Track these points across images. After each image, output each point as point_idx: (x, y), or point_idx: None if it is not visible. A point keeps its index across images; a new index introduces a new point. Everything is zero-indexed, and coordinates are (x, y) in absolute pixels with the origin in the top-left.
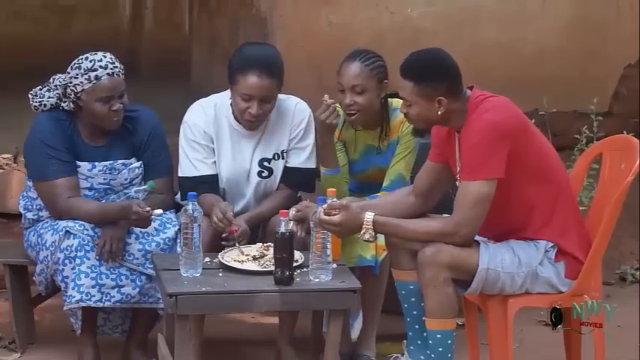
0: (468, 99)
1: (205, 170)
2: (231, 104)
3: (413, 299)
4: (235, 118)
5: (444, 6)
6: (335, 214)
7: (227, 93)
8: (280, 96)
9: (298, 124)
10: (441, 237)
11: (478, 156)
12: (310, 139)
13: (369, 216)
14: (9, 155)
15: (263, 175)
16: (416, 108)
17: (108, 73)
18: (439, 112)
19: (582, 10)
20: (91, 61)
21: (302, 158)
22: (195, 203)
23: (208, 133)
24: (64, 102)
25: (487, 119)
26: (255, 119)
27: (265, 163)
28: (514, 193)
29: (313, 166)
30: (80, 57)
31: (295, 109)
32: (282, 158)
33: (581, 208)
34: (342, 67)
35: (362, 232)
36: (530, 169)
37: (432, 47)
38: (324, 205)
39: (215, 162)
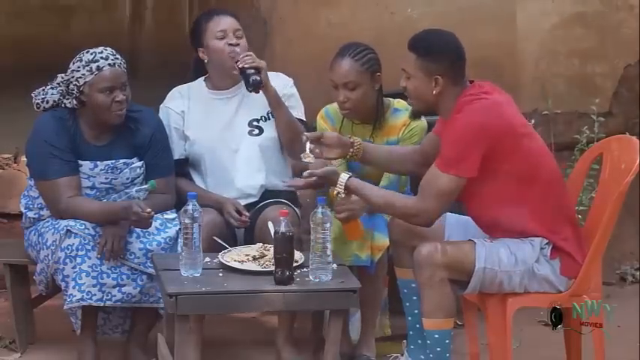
0: (463, 91)
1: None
2: (205, 79)
3: (414, 298)
4: (209, 87)
5: (444, 6)
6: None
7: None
8: None
9: (282, 87)
10: (403, 216)
11: (455, 151)
12: (300, 107)
13: (343, 177)
14: (9, 155)
15: (254, 133)
16: (414, 82)
17: (109, 64)
18: (434, 92)
19: (582, 10)
20: (92, 54)
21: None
22: (196, 203)
23: (179, 112)
24: (67, 99)
25: (472, 119)
26: (235, 48)
27: (255, 123)
28: (503, 192)
29: (304, 119)
30: (81, 52)
31: (277, 76)
32: (269, 119)
33: (581, 209)
34: (333, 64)
35: (336, 188)
36: (519, 170)
37: (444, 29)
38: (309, 145)
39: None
